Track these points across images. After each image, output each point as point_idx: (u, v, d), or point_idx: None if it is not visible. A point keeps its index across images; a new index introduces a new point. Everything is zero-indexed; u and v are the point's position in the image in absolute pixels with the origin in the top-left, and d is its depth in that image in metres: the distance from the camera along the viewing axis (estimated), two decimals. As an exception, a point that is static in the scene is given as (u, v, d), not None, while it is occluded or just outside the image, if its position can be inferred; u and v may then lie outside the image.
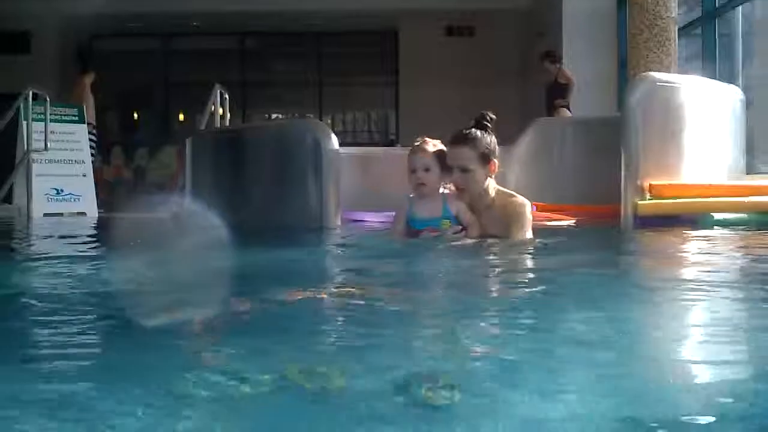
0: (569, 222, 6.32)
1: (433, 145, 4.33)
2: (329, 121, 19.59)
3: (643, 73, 6.99)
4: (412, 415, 1.21)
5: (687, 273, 3.47)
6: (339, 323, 2.18)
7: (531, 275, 3.31)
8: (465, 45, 18.50)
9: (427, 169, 4.25)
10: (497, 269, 3.53)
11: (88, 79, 12.83)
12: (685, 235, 5.13)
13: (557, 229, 5.92)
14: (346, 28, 18.96)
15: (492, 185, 4.37)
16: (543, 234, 4.70)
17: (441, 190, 4.34)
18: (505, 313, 2.25)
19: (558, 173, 7.93)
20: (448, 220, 4.25)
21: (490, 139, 4.32)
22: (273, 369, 1.45)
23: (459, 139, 4.28)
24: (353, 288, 2.80)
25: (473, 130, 4.30)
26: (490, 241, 4.19)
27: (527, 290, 2.84)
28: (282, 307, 2.37)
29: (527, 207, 4.34)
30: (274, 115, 21.00)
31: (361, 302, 2.46)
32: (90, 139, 11.82)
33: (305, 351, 1.71)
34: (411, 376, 1.42)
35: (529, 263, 3.79)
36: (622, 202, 5.85)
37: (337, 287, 2.97)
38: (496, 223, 4.30)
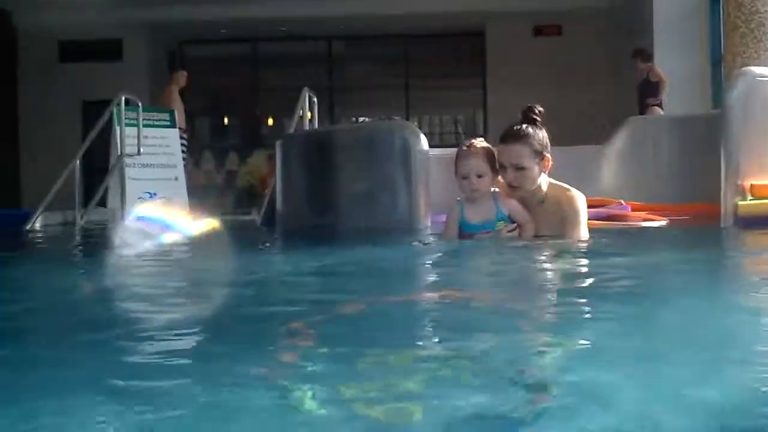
0: (661, 222, 6.15)
1: (482, 147, 4.24)
2: (416, 124, 19.57)
3: (743, 69, 6.78)
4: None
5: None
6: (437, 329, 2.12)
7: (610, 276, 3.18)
8: (553, 45, 18.30)
9: (480, 175, 4.15)
10: (573, 271, 3.45)
11: (178, 82, 12.99)
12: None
13: (647, 229, 5.79)
14: (433, 30, 18.94)
15: (545, 179, 4.26)
16: (627, 235, 4.59)
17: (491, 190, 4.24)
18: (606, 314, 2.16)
19: (652, 172, 7.75)
20: (502, 222, 4.17)
21: (542, 134, 4.22)
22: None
23: (511, 137, 4.18)
24: (452, 292, 2.75)
25: (524, 126, 4.20)
26: (549, 241, 4.10)
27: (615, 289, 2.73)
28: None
29: (581, 200, 4.22)
30: (361, 119, 21.07)
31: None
32: (181, 144, 12.00)
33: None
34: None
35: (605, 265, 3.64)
36: (722, 202, 5.68)
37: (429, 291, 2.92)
38: (550, 217, 4.21)
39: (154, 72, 18.08)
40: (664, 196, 7.29)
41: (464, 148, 4.26)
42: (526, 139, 4.14)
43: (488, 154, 4.19)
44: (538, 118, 4.27)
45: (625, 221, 6.16)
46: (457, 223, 4.27)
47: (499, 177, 4.24)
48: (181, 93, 13.10)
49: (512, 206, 4.19)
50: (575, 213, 4.18)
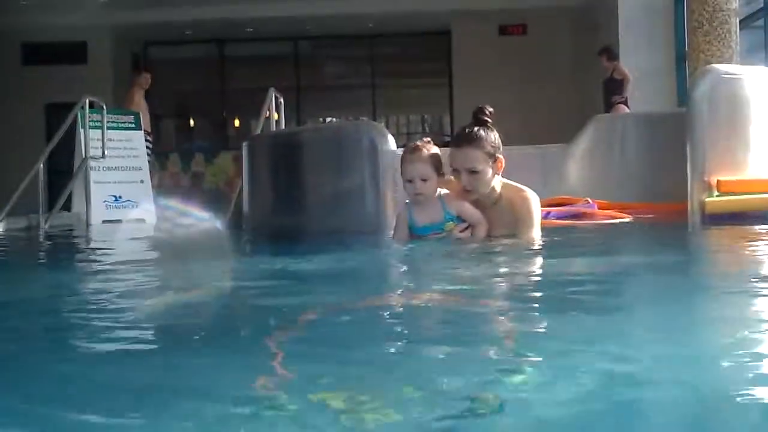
0: (626, 220, 6.17)
1: (427, 150, 4.18)
2: (383, 124, 19.57)
3: (708, 66, 6.81)
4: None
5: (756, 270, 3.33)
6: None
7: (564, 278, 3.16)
8: (518, 44, 18.36)
9: (424, 179, 4.11)
10: (538, 270, 3.45)
11: (141, 85, 12.89)
12: (756, 232, 4.95)
13: (614, 226, 5.81)
14: (399, 29, 18.96)
15: (498, 180, 4.23)
16: (591, 233, 4.59)
17: (437, 191, 4.20)
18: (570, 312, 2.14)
19: (619, 170, 7.79)
20: (451, 222, 4.14)
21: (494, 136, 4.16)
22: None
23: (463, 140, 4.14)
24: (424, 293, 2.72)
25: (476, 129, 4.13)
26: (504, 240, 4.08)
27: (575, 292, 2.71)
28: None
29: (535, 201, 4.20)
30: (327, 119, 21.04)
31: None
32: (146, 146, 11.91)
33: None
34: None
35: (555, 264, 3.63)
36: (689, 199, 5.70)
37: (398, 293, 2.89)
38: (504, 217, 4.19)
39: (119, 74, 17.93)
40: (631, 193, 7.33)
41: (409, 151, 4.22)
42: (478, 142, 4.09)
43: (433, 158, 4.15)
44: (489, 119, 4.21)
45: (591, 219, 6.18)
46: (406, 225, 4.26)
47: (452, 177, 4.22)
48: (146, 95, 12.99)
49: (462, 207, 4.16)
50: (529, 213, 4.15)
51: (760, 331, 1.86)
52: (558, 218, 6.09)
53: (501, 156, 4.16)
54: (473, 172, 4.09)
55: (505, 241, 4.07)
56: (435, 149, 4.22)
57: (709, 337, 1.84)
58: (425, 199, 4.15)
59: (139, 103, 12.62)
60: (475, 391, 1.33)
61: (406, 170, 4.18)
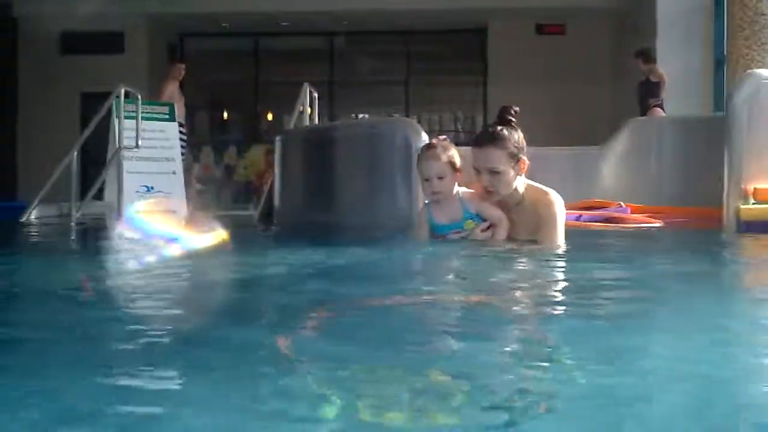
0: (657, 225, 6.12)
1: (443, 147, 4.19)
2: (416, 120, 19.53)
3: (749, 71, 6.73)
4: None
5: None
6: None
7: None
8: (555, 43, 18.26)
9: (441, 177, 4.11)
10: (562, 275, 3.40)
11: (175, 76, 12.95)
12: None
13: (645, 232, 5.75)
14: (435, 26, 18.92)
15: (522, 181, 4.17)
16: (612, 239, 4.53)
17: (455, 190, 4.18)
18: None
19: (653, 174, 7.73)
20: (471, 221, 4.12)
21: (518, 136, 4.11)
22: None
23: (485, 140, 4.09)
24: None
25: (499, 128, 4.08)
26: (526, 244, 4.04)
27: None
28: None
29: (559, 204, 4.14)
30: (360, 115, 21.04)
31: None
32: (180, 138, 11.96)
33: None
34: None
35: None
36: (725, 205, 5.65)
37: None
38: (527, 219, 4.14)
39: (155, 65, 18.04)
40: (665, 198, 7.26)
41: (424, 150, 4.24)
42: (501, 142, 4.04)
43: (448, 156, 4.15)
44: (514, 119, 4.17)
45: (622, 223, 6.14)
46: (426, 224, 4.25)
47: (474, 178, 4.18)
48: (180, 86, 13.05)
49: (482, 206, 4.14)
50: (552, 217, 4.10)
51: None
52: (588, 221, 6.05)
53: (524, 157, 4.11)
54: (495, 172, 4.04)
55: (528, 245, 4.03)
56: (451, 147, 4.22)
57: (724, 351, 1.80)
58: (443, 197, 4.15)
59: (173, 93, 12.66)
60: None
61: (422, 168, 4.19)
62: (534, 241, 4.08)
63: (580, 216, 6.07)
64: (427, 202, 4.28)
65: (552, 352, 1.72)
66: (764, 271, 3.86)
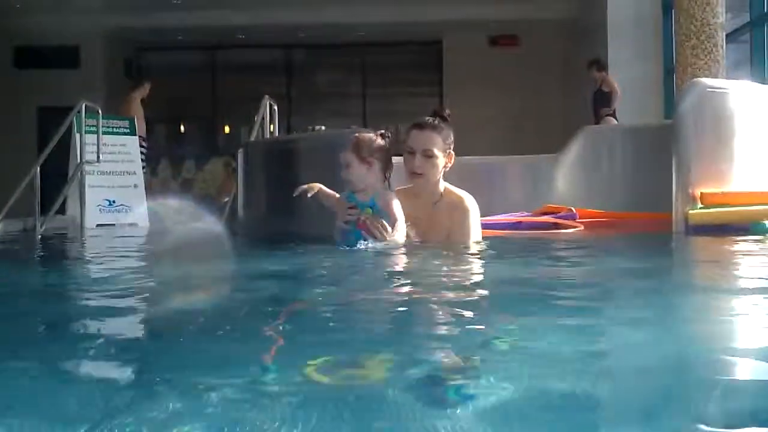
0: (576, 229, 6.33)
1: (354, 138, 4.37)
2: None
3: (695, 80, 6.97)
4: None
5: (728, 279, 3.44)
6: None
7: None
8: (508, 55, 18.52)
9: (348, 165, 4.25)
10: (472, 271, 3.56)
11: (141, 93, 13.02)
12: (733, 243, 5.07)
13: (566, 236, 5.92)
14: (390, 38, 19.06)
15: (443, 183, 4.38)
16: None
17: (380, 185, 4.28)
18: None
19: (606, 181, 7.92)
20: (370, 209, 4.16)
21: (451, 132, 4.38)
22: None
23: (427, 124, 4.33)
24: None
25: (438, 120, 4.36)
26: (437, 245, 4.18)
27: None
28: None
29: (474, 211, 4.34)
30: (318, 127, 21.04)
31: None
32: (141, 152, 12.01)
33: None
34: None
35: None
36: (673, 210, 5.85)
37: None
38: (441, 221, 4.31)
39: (111, 79, 18.02)
40: (617, 204, 7.47)
41: (350, 136, 4.45)
42: (441, 130, 4.31)
43: (355, 145, 4.29)
44: (447, 120, 4.42)
45: (540, 229, 6.33)
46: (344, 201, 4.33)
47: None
48: (143, 100, 13.11)
49: (391, 204, 4.17)
50: (467, 223, 4.31)
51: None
52: (497, 228, 6.13)
53: (452, 152, 4.36)
54: (429, 156, 4.25)
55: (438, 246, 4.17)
56: (360, 136, 4.37)
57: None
58: (352, 185, 4.27)
59: (138, 109, 12.73)
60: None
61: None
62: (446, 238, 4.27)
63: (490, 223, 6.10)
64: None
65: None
66: (702, 268, 4.04)
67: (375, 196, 4.20)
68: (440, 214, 4.33)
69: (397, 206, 4.17)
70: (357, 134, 4.42)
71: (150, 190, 12.69)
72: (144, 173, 12.10)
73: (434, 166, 4.28)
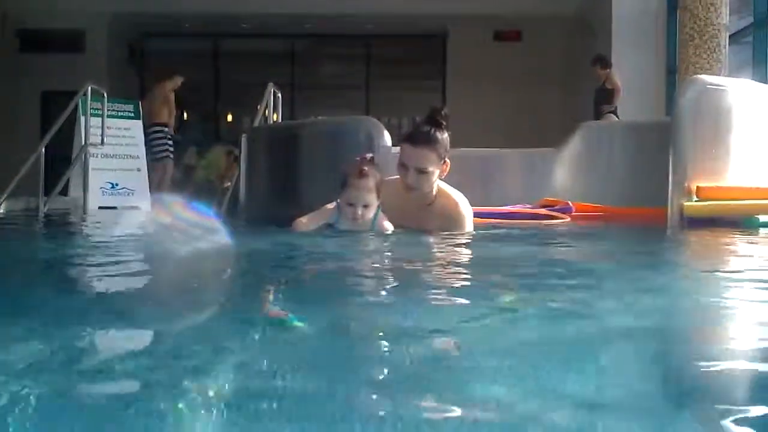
0: (563, 221, 6.40)
1: (372, 178, 4.17)
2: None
3: (694, 76, 7.05)
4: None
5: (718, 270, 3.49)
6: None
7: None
8: (512, 49, 18.56)
9: (366, 205, 4.15)
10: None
11: (173, 85, 13.01)
12: (728, 236, 5.15)
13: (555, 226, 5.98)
14: (395, 31, 19.09)
15: (437, 183, 4.30)
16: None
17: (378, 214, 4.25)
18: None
19: (605, 176, 7.98)
20: None
21: (447, 138, 4.24)
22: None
23: (421, 140, 4.19)
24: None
25: (433, 130, 4.19)
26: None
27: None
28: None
29: (468, 216, 4.34)
30: (320, 118, 21.05)
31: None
32: (168, 143, 12.14)
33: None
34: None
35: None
36: (669, 203, 5.93)
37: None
38: (433, 223, 4.27)
39: (114, 64, 18.06)
40: (615, 198, 7.53)
41: (355, 177, 4.17)
42: (435, 144, 4.16)
43: (377, 184, 4.19)
44: (444, 122, 4.27)
45: (532, 219, 6.41)
46: (324, 222, 4.27)
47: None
48: (145, 88, 13.15)
49: (384, 229, 4.20)
50: (460, 222, 4.31)
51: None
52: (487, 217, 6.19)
53: (448, 160, 4.26)
54: (423, 172, 4.17)
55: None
56: (378, 175, 4.22)
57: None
58: (364, 224, 4.19)
59: (172, 102, 12.75)
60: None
61: (350, 195, 4.17)
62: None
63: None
64: (335, 207, 4.29)
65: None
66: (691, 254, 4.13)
67: (375, 225, 4.19)
68: (433, 214, 4.30)
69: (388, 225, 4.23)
70: (369, 171, 4.18)
71: (173, 180, 12.77)
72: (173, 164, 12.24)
73: (428, 181, 4.20)
